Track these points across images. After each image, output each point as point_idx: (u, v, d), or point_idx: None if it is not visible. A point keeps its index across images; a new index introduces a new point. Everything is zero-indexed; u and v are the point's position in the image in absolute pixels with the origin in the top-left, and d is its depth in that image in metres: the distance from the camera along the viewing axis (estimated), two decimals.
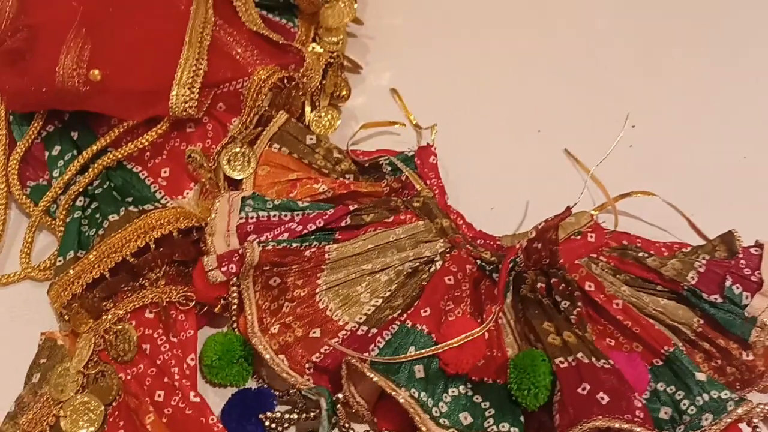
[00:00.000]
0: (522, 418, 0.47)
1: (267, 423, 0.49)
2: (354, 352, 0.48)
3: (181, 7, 0.61)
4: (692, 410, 0.47)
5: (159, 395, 0.49)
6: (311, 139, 0.59)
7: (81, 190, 0.57)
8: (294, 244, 0.52)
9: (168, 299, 0.52)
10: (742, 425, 0.48)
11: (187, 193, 0.57)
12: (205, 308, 0.53)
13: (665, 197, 0.61)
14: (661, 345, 0.50)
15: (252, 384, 0.52)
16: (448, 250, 0.54)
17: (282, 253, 0.51)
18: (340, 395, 0.48)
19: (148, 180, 0.58)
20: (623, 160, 0.62)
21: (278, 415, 0.49)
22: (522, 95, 0.68)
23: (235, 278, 0.51)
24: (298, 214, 0.54)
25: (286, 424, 0.50)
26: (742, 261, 0.53)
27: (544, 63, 0.70)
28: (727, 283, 0.51)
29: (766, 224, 0.58)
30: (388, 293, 0.52)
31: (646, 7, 0.73)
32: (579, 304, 0.51)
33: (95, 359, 0.51)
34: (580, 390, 0.45)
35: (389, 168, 0.60)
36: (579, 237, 0.56)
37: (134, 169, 0.58)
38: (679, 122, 0.66)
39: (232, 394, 0.51)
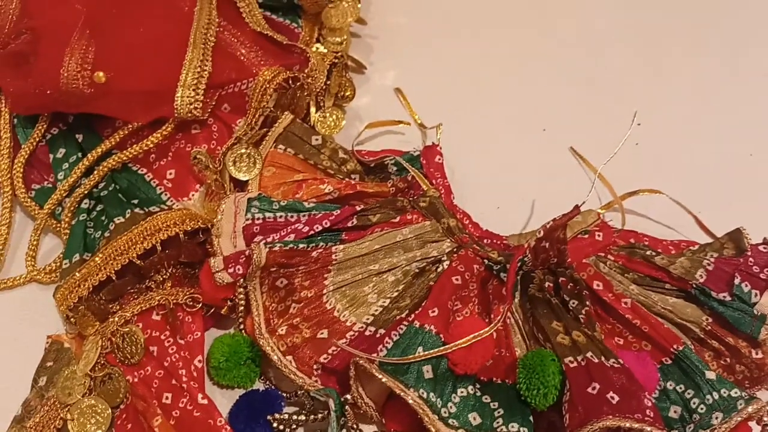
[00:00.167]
0: (531, 418, 0.47)
1: (275, 425, 0.49)
2: (362, 352, 0.48)
3: (184, 9, 0.60)
4: (702, 409, 0.47)
5: (167, 397, 0.49)
6: (317, 139, 0.59)
7: (86, 192, 0.57)
8: (301, 245, 0.51)
9: (175, 301, 0.52)
10: (752, 423, 0.48)
11: (193, 195, 0.57)
12: (212, 310, 0.53)
13: (672, 195, 0.61)
14: (671, 344, 0.50)
15: (259, 385, 0.52)
16: (455, 249, 0.54)
17: (289, 254, 0.51)
18: (348, 396, 0.48)
19: (154, 182, 0.58)
20: (629, 159, 0.62)
21: (286, 416, 0.49)
22: (527, 94, 0.68)
23: (241, 279, 0.51)
24: (304, 215, 0.54)
25: (294, 426, 0.49)
26: (751, 259, 0.53)
27: (549, 62, 0.70)
28: (736, 281, 0.51)
29: None
30: (396, 293, 0.51)
31: (649, 5, 0.73)
32: (587, 303, 0.50)
33: (102, 362, 0.51)
34: (589, 389, 0.45)
35: (395, 168, 0.59)
36: (586, 236, 0.55)
37: (139, 171, 0.58)
38: (685, 120, 0.66)
39: (239, 396, 0.51)
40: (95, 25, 0.58)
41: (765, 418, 0.48)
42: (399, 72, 0.69)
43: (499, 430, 0.46)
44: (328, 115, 0.63)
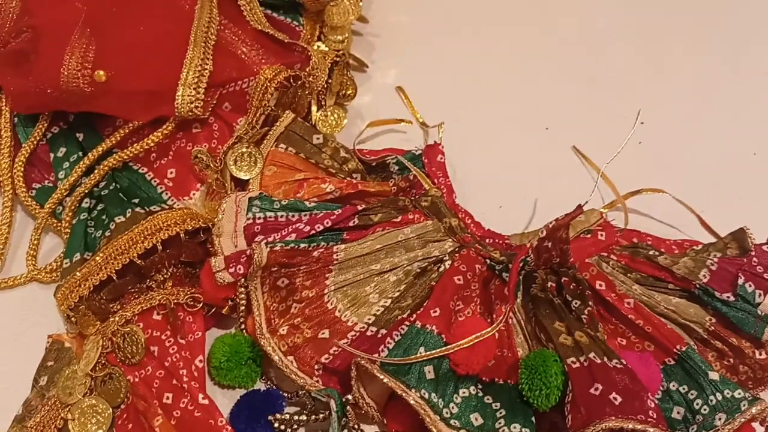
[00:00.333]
0: (533, 419, 0.47)
1: (276, 425, 0.49)
2: (363, 353, 0.47)
3: (185, 7, 0.60)
4: (705, 410, 0.47)
5: (167, 397, 0.48)
6: (318, 138, 0.59)
7: (87, 191, 0.57)
8: (302, 245, 0.51)
9: (176, 301, 0.51)
10: (756, 424, 0.47)
11: (194, 194, 0.57)
12: (213, 309, 0.53)
13: (675, 195, 0.60)
14: (674, 344, 0.49)
15: (260, 386, 0.52)
16: (457, 249, 0.54)
17: (290, 253, 0.51)
18: (349, 396, 0.48)
19: (155, 181, 0.57)
20: (632, 158, 0.62)
21: (287, 416, 0.49)
22: (529, 93, 0.68)
23: (242, 279, 0.51)
24: (305, 215, 0.53)
25: (295, 426, 0.49)
26: (755, 259, 0.52)
27: (551, 60, 0.69)
28: (740, 281, 0.51)
29: None
30: (397, 293, 0.51)
31: (651, 3, 0.73)
32: (590, 303, 0.50)
33: (103, 362, 0.50)
34: (592, 390, 0.44)
35: (396, 167, 0.59)
36: (589, 235, 0.55)
37: (140, 170, 0.58)
38: (688, 119, 0.66)
39: (240, 396, 0.51)
40: (96, 23, 0.58)
41: None
42: (400, 70, 0.69)
43: (501, 430, 0.46)
44: (329, 113, 0.62)
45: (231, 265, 0.51)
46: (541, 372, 0.46)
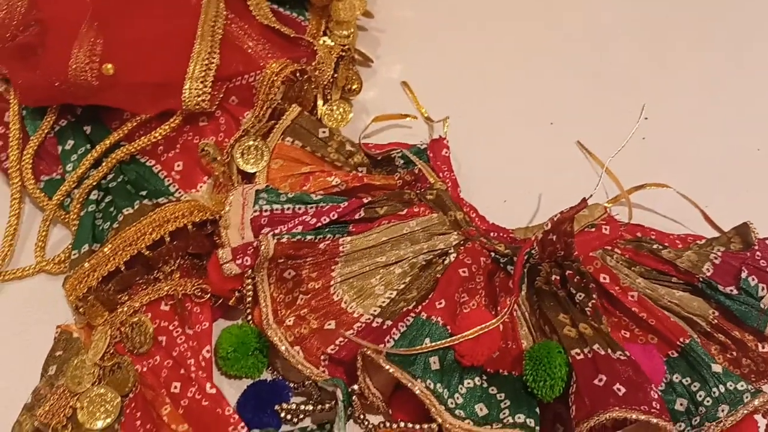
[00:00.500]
0: (537, 410, 0.47)
1: (282, 414, 0.49)
2: (370, 343, 0.48)
3: (192, 1, 0.61)
4: (708, 402, 0.47)
5: (175, 387, 0.49)
6: (324, 132, 0.59)
7: (95, 183, 0.57)
8: (308, 237, 0.52)
9: (183, 291, 0.52)
10: (758, 416, 0.48)
11: (201, 187, 0.57)
12: (220, 301, 0.53)
13: (679, 189, 0.60)
14: (677, 337, 0.50)
15: (266, 376, 0.52)
16: (462, 242, 0.54)
17: (296, 245, 0.51)
18: (355, 387, 0.48)
19: (162, 173, 0.58)
20: (636, 153, 0.62)
21: (293, 406, 0.49)
22: (534, 88, 0.68)
23: (249, 271, 0.51)
24: (311, 207, 0.54)
25: (302, 416, 0.50)
26: (758, 253, 0.53)
27: (556, 55, 0.70)
28: (743, 275, 0.51)
29: None
30: (403, 285, 0.52)
31: None
32: (594, 296, 0.50)
33: (111, 351, 0.51)
34: (596, 381, 0.45)
35: (402, 161, 0.60)
36: (593, 229, 0.55)
37: (147, 163, 0.58)
38: (692, 114, 0.66)
39: (247, 386, 0.51)
40: (103, 17, 0.58)
41: None
42: (406, 65, 0.69)
43: (505, 420, 0.46)
44: (335, 108, 0.63)
45: (238, 257, 0.51)
46: (546, 363, 0.46)
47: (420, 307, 0.50)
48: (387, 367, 0.46)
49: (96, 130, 0.60)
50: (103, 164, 0.58)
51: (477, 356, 0.47)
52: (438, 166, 0.59)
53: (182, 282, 0.52)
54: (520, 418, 0.47)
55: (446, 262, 0.53)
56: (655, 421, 0.43)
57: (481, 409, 0.47)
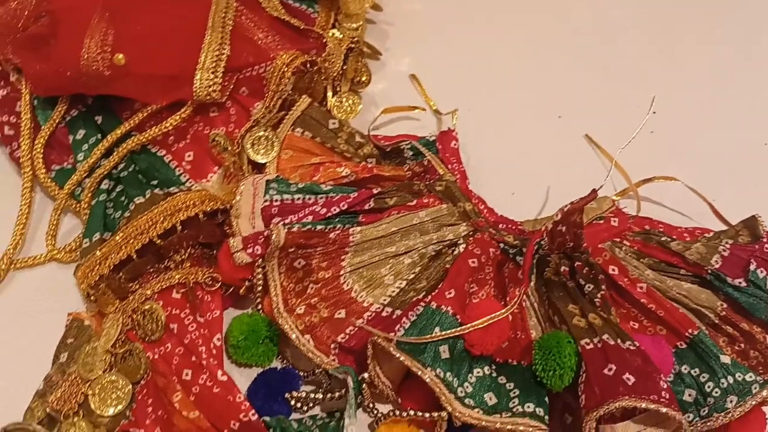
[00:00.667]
0: (546, 399, 0.48)
1: (292, 402, 0.49)
2: (380, 331, 0.48)
3: None
4: (717, 392, 0.47)
5: (186, 374, 0.49)
6: (334, 123, 0.59)
7: (106, 173, 0.58)
8: (318, 227, 0.52)
9: (194, 280, 0.52)
10: (766, 408, 0.48)
11: (211, 177, 0.58)
12: (231, 289, 0.53)
13: (686, 183, 0.60)
14: (686, 328, 0.50)
15: (276, 364, 0.52)
16: (471, 233, 0.54)
17: (307, 235, 0.51)
18: (365, 375, 0.48)
19: (173, 163, 0.58)
20: (644, 146, 0.62)
21: (303, 394, 0.49)
22: (542, 81, 0.68)
23: (260, 260, 0.51)
24: (321, 197, 0.54)
25: (311, 404, 0.50)
26: (767, 245, 0.53)
27: (564, 48, 0.70)
28: (752, 267, 0.51)
29: None
30: (412, 275, 0.52)
31: None
32: (603, 287, 0.51)
33: (123, 338, 0.51)
34: (606, 371, 0.45)
35: (410, 152, 0.60)
36: (602, 222, 0.56)
37: (158, 153, 0.58)
38: (701, 108, 0.66)
39: (258, 374, 0.51)
40: (115, 7, 0.59)
41: None
42: (414, 58, 0.69)
43: (515, 410, 0.47)
44: (344, 99, 0.63)
45: (249, 246, 0.51)
46: (555, 353, 0.47)
47: (430, 297, 0.51)
48: (397, 355, 0.46)
49: (107, 120, 0.60)
50: (114, 154, 0.58)
51: (487, 345, 0.48)
52: (447, 158, 0.59)
53: (193, 270, 0.53)
54: (530, 407, 0.47)
55: (455, 252, 0.53)
56: (664, 410, 0.44)
57: (490, 398, 0.47)
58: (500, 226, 0.57)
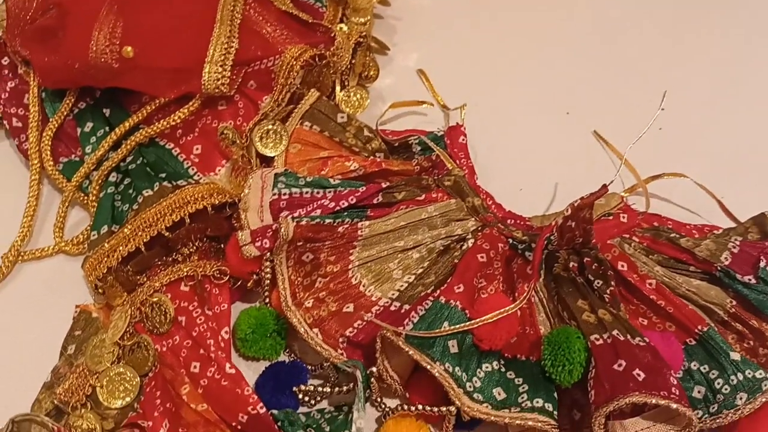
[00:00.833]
0: (555, 395, 0.47)
1: (300, 396, 0.49)
2: (389, 325, 0.48)
3: None
4: (726, 389, 0.47)
5: (195, 366, 0.49)
6: (342, 117, 0.59)
7: (114, 165, 0.58)
8: (327, 221, 0.52)
9: (203, 273, 0.52)
10: None
11: (219, 170, 0.58)
12: (239, 283, 0.53)
13: (695, 180, 0.60)
14: (695, 324, 0.50)
15: (284, 358, 0.52)
16: (479, 228, 0.54)
17: (315, 228, 0.51)
18: (373, 369, 0.48)
19: (181, 156, 0.58)
20: (653, 143, 0.62)
21: (311, 388, 0.49)
22: (550, 77, 0.68)
23: (268, 253, 0.51)
24: (330, 191, 0.54)
25: (319, 398, 0.50)
26: None
27: (573, 44, 0.70)
28: (762, 264, 0.51)
29: None
30: (421, 270, 0.52)
31: None
32: (612, 283, 0.50)
33: (131, 331, 0.51)
34: (616, 366, 0.45)
35: (419, 147, 0.60)
36: (611, 218, 0.55)
37: (167, 146, 0.58)
38: (709, 104, 0.66)
39: (265, 367, 0.51)
40: (123, 0, 0.59)
41: None
42: (422, 53, 0.69)
43: (523, 405, 0.47)
44: (352, 94, 0.63)
45: (257, 239, 0.51)
46: (565, 348, 0.46)
47: (438, 292, 0.51)
48: (406, 349, 0.46)
49: (115, 112, 0.60)
50: (122, 147, 0.58)
51: (495, 340, 0.48)
52: (455, 153, 0.59)
53: (202, 263, 0.53)
54: (539, 402, 0.47)
55: (464, 247, 0.53)
56: (674, 406, 0.44)
57: (499, 393, 0.47)
58: (508, 221, 0.57)
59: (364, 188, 0.54)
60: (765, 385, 0.47)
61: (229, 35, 0.58)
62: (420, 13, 0.72)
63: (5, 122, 0.61)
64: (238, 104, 0.60)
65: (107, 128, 0.59)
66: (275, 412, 0.48)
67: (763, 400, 0.46)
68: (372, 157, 0.58)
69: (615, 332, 0.47)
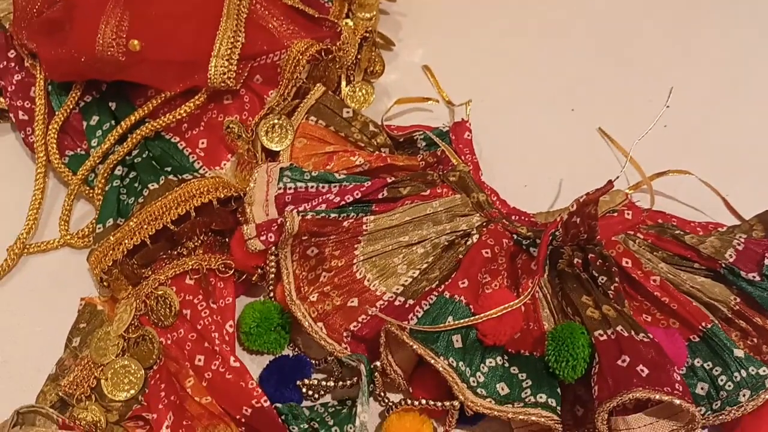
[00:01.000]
0: (559, 390, 0.48)
1: (304, 390, 0.50)
2: (394, 319, 0.48)
3: None
4: (729, 386, 0.47)
5: (199, 360, 0.49)
6: (348, 112, 0.59)
7: (119, 159, 0.58)
8: (332, 215, 0.52)
9: (208, 266, 0.52)
10: None
11: (225, 164, 0.58)
12: (243, 277, 0.53)
13: (700, 177, 0.60)
14: (699, 321, 0.50)
15: (287, 352, 0.53)
16: (484, 224, 0.54)
17: (320, 223, 0.51)
18: (377, 363, 0.48)
19: (187, 150, 0.58)
20: (657, 140, 0.62)
21: (315, 382, 0.49)
22: (556, 74, 0.68)
23: (273, 247, 0.51)
24: (335, 186, 0.54)
25: (322, 392, 0.50)
26: None
27: (578, 42, 0.70)
28: (766, 261, 0.51)
29: None
30: (425, 265, 0.52)
31: None
32: (616, 279, 0.50)
33: (136, 324, 0.51)
34: (619, 362, 0.45)
35: (424, 143, 0.60)
36: (615, 214, 0.55)
37: (172, 140, 0.59)
38: (714, 102, 0.66)
39: (269, 361, 0.51)
40: None
41: None
42: (427, 49, 0.69)
43: (527, 400, 0.47)
44: (357, 89, 0.63)
45: (262, 233, 0.51)
46: (569, 343, 0.47)
47: (443, 287, 0.51)
48: (411, 343, 0.46)
49: (121, 106, 0.60)
50: (128, 140, 0.58)
51: (499, 336, 0.48)
52: (460, 149, 0.59)
53: (207, 257, 0.53)
54: (542, 398, 0.47)
55: (468, 243, 0.53)
56: (678, 402, 0.44)
57: (502, 389, 0.47)
58: (513, 217, 0.57)
59: (370, 183, 0.54)
60: None
61: (236, 29, 0.58)
62: (426, 9, 0.72)
63: (11, 115, 0.62)
64: (244, 98, 0.60)
65: (113, 122, 0.60)
66: (279, 405, 0.48)
67: (766, 397, 0.46)
68: (377, 152, 0.58)
69: (619, 328, 0.47)
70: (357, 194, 0.53)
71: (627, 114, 0.65)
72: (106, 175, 0.58)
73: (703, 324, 0.50)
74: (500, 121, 0.64)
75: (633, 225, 0.54)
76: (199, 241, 0.54)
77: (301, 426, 0.47)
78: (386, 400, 0.49)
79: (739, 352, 0.48)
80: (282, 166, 0.55)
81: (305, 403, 0.50)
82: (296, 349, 0.53)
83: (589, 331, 0.47)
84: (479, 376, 0.47)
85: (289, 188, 0.54)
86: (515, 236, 0.54)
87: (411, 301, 0.50)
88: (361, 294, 0.51)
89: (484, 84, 0.66)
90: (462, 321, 0.47)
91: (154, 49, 0.57)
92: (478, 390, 0.46)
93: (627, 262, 0.52)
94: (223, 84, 0.57)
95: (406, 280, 0.51)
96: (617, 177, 0.51)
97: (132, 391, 0.49)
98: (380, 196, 0.54)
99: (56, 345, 0.52)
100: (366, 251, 0.52)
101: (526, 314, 0.50)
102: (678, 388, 0.44)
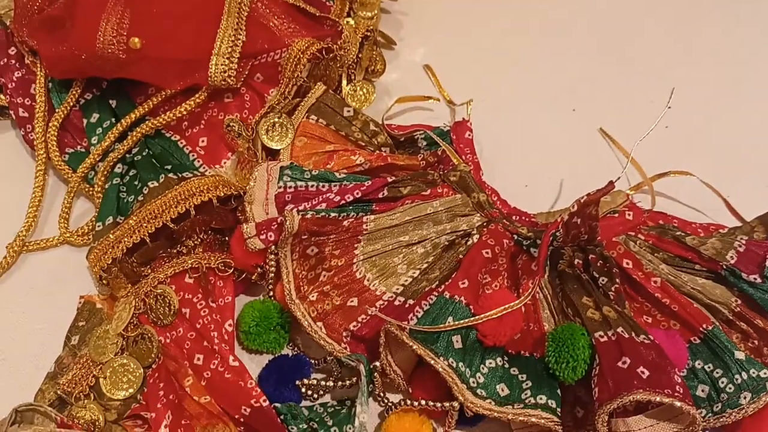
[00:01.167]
0: (559, 391, 0.47)
1: (303, 390, 0.49)
2: (393, 320, 0.48)
3: None
4: (730, 388, 0.47)
5: (198, 359, 0.49)
6: (348, 111, 0.59)
7: (119, 157, 0.58)
8: (332, 214, 0.52)
9: (207, 265, 0.52)
10: None
11: (225, 163, 0.58)
12: (243, 275, 0.53)
13: (701, 178, 0.60)
14: (700, 323, 0.49)
15: (287, 352, 0.52)
16: (484, 224, 0.54)
17: (320, 222, 0.51)
18: (376, 363, 0.48)
19: (187, 148, 0.58)
20: (659, 141, 0.62)
21: (314, 382, 0.49)
22: (557, 74, 0.68)
23: (273, 246, 0.51)
24: (335, 185, 0.54)
25: (322, 392, 0.50)
26: None
27: (579, 42, 0.69)
28: (767, 263, 0.51)
29: None
30: (425, 265, 0.52)
31: None
32: (617, 280, 0.50)
33: (135, 322, 0.51)
34: (620, 364, 0.45)
35: (425, 142, 0.60)
36: (616, 215, 0.55)
37: (173, 138, 0.59)
38: (715, 103, 0.66)
39: (269, 361, 0.51)
40: None
41: None
42: (428, 48, 0.69)
43: (527, 401, 0.46)
44: (358, 88, 0.63)
45: (262, 232, 0.51)
46: (569, 345, 0.46)
47: (443, 287, 0.50)
48: (410, 344, 0.46)
49: (121, 104, 0.60)
50: (128, 138, 0.58)
51: (499, 336, 0.48)
52: (461, 148, 0.59)
53: (206, 256, 0.53)
54: (542, 399, 0.47)
55: (469, 243, 0.53)
56: (678, 404, 0.43)
57: (502, 390, 0.47)
58: (514, 217, 0.56)
59: (370, 182, 0.54)
60: None
61: (237, 27, 0.58)
62: (427, 8, 0.71)
63: (11, 112, 0.61)
64: (245, 97, 0.59)
65: (113, 119, 0.59)
66: (278, 405, 0.48)
67: (767, 399, 0.46)
68: (378, 152, 0.58)
69: (620, 329, 0.47)
70: (357, 193, 0.53)
71: (628, 114, 0.64)
72: (106, 172, 0.58)
73: (704, 326, 0.49)
74: (501, 121, 0.64)
75: (634, 226, 0.54)
76: (199, 240, 0.54)
77: (300, 426, 0.47)
78: (386, 401, 0.49)
79: (740, 354, 0.48)
80: (282, 165, 0.55)
81: (304, 403, 0.50)
82: (295, 348, 0.52)
83: (590, 333, 0.47)
84: (479, 377, 0.47)
85: (290, 187, 0.53)
86: (516, 236, 0.54)
87: (411, 301, 0.50)
88: (360, 294, 0.50)
89: (485, 83, 0.66)
90: (462, 321, 0.47)
91: (155, 47, 0.57)
92: (478, 391, 0.46)
93: (628, 263, 0.52)
94: (223, 82, 0.57)
95: (406, 280, 0.51)
96: (618, 178, 0.51)
97: (131, 390, 0.49)
98: (380, 196, 0.54)
99: (55, 343, 0.52)
100: (366, 251, 0.52)
101: (526, 315, 0.50)
102: (679, 390, 0.44)
